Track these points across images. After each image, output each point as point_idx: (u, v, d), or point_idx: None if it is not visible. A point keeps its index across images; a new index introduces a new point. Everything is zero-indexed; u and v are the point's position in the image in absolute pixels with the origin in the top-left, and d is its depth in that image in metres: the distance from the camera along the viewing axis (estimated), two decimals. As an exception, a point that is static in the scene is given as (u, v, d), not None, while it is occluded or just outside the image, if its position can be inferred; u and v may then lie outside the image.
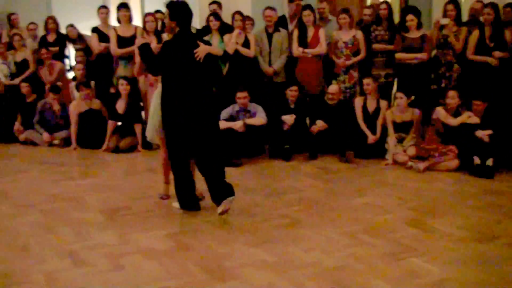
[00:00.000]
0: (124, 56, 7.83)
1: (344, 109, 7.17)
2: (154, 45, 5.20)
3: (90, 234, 4.45)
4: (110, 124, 7.63)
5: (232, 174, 6.22)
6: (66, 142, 7.96)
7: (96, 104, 7.95)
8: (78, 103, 7.90)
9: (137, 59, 5.56)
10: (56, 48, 8.95)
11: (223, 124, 6.80)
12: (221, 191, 4.72)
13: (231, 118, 6.94)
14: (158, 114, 4.92)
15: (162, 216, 4.89)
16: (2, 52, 8.88)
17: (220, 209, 4.68)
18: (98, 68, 8.38)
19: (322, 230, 4.44)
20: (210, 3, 8.29)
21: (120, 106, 7.59)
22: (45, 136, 7.97)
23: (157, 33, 7.46)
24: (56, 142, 8.01)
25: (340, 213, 4.90)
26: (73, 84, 8.49)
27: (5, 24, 9.72)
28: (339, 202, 5.26)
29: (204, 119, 4.78)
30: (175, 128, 4.77)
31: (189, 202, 4.98)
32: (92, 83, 8.20)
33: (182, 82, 4.71)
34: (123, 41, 7.78)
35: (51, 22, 9.05)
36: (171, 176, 5.12)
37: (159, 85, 5.00)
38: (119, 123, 7.73)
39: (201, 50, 4.73)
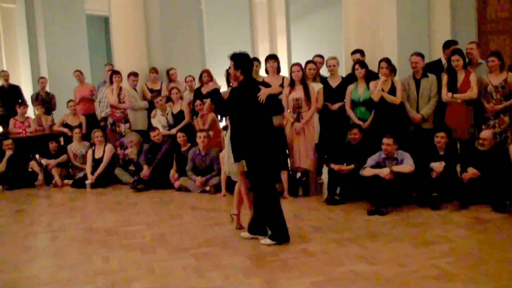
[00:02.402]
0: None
1: (498, 156, 6.79)
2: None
3: (238, 278, 4.58)
4: (258, 171, 7.85)
5: (379, 222, 6.17)
6: (216, 189, 8.31)
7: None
8: (228, 151, 8.25)
9: (207, 101, 6.06)
10: (209, 100, 9.48)
11: (369, 171, 6.76)
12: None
13: (378, 165, 6.86)
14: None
15: (307, 263, 4.90)
16: (162, 105, 9.60)
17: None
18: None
19: (477, 285, 4.21)
20: (353, 52, 8.36)
21: (268, 154, 7.80)
22: (198, 180, 8.38)
23: (303, 81, 7.66)
24: (207, 188, 8.40)
25: (496, 267, 4.60)
26: (224, 133, 8.90)
27: (164, 78, 10.54)
28: (494, 255, 4.93)
29: (270, 146, 5.56)
30: (256, 158, 5.49)
31: (284, 233, 5.51)
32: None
33: (249, 120, 5.47)
34: (271, 91, 8.04)
35: (206, 75, 9.63)
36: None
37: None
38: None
39: (263, 93, 5.53)
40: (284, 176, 7.69)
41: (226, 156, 5.99)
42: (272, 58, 8.29)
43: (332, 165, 7.27)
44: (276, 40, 14.91)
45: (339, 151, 7.48)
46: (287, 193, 7.67)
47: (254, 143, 5.47)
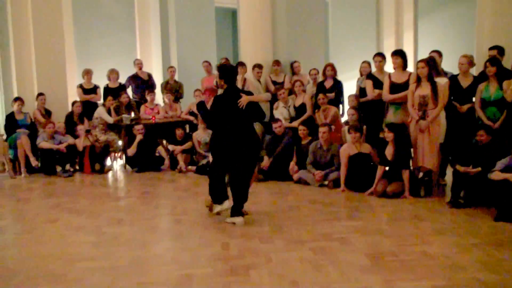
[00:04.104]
0: (396, 101, 7.93)
1: None
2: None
3: (355, 276, 4.55)
4: (379, 169, 7.72)
5: (506, 230, 5.92)
6: (335, 184, 8.28)
7: (366, 148, 8.15)
8: (348, 146, 8.19)
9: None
10: (332, 94, 9.46)
11: (498, 175, 6.40)
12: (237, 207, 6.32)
13: (508, 169, 6.47)
14: None
15: (427, 266, 4.77)
16: (284, 97, 9.70)
17: (228, 219, 6.30)
18: (370, 112, 8.62)
19: None
20: (490, 48, 7.96)
21: (389, 151, 7.65)
22: (317, 174, 8.39)
23: (430, 78, 7.43)
24: (326, 183, 8.38)
25: None
26: (345, 128, 8.85)
27: (288, 71, 10.64)
28: None
29: (246, 148, 6.23)
30: (222, 154, 6.27)
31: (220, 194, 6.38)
32: (364, 127, 8.46)
33: (229, 124, 6.18)
34: (396, 87, 7.89)
35: (330, 69, 9.62)
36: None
37: None
38: (387, 168, 7.79)
39: (243, 100, 6.23)
40: (405, 175, 7.50)
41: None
42: (398, 54, 8.10)
43: (458, 167, 6.99)
44: (403, 36, 14.53)
45: (465, 152, 7.17)
46: (408, 193, 7.48)
47: (228, 142, 6.16)
